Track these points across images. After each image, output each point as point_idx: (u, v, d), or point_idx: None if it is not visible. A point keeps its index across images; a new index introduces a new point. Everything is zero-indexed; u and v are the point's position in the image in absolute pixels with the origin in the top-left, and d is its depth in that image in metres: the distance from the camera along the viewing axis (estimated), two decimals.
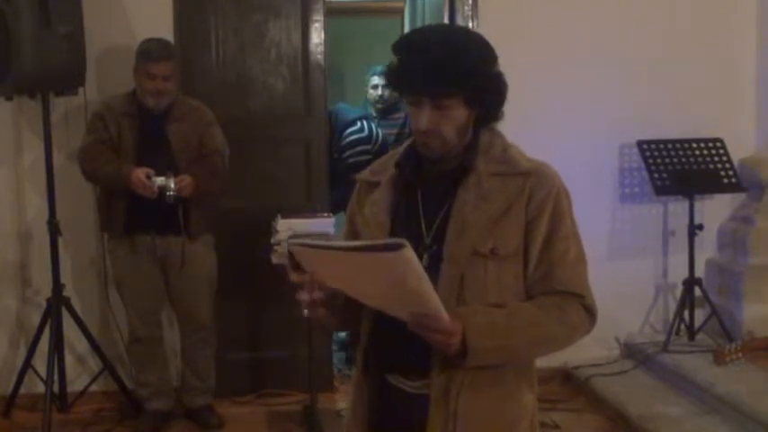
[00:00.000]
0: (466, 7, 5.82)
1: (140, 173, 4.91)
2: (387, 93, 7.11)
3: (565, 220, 2.39)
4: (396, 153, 2.55)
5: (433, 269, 2.28)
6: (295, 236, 4.83)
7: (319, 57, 5.83)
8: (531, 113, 5.79)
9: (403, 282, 2.05)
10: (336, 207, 5.69)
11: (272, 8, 5.79)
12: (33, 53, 4.86)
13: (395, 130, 7.05)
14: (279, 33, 5.80)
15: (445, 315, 2.14)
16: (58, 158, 5.35)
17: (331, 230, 5.11)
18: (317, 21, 5.81)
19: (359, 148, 6.46)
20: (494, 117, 2.44)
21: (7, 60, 4.88)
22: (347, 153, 6.43)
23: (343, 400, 5.74)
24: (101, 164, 5.06)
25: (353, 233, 2.57)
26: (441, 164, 2.41)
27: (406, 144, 2.53)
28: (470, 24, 5.81)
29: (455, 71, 2.27)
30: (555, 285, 2.36)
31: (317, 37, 5.82)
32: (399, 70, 2.34)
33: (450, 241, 2.33)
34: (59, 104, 5.44)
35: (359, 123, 6.57)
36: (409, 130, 7.09)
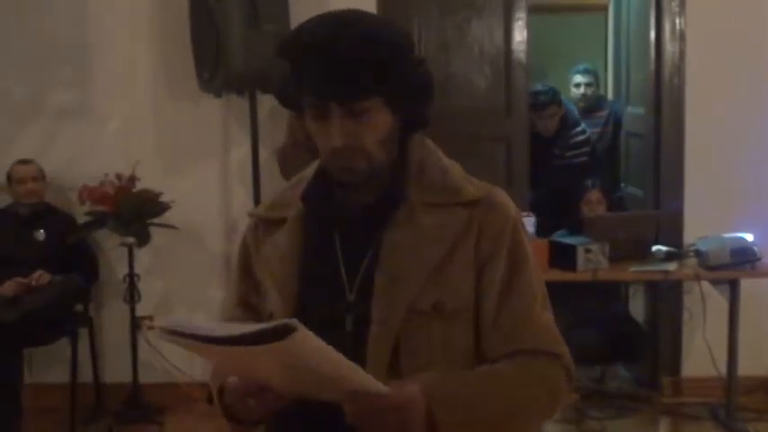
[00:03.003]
0: (673, 3, 5.65)
1: None
2: (590, 91, 7.07)
3: (527, 259, 1.88)
4: (301, 181, 2.03)
5: (359, 334, 1.80)
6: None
7: (521, 55, 5.78)
8: (743, 112, 5.61)
9: (314, 368, 1.57)
10: (534, 208, 5.63)
11: (474, 7, 5.77)
12: (242, 52, 4.98)
13: (598, 129, 6.99)
14: (481, 32, 5.78)
15: (388, 389, 1.61)
16: (263, 154, 5.47)
17: (531, 229, 5.09)
18: (519, 19, 5.76)
19: (583, 149, 6.44)
20: (422, 122, 1.92)
21: (217, 59, 5.03)
22: (571, 153, 6.40)
23: None
24: (297, 167, 5.14)
25: (251, 284, 2.03)
26: (360, 194, 1.88)
27: (311, 170, 2.01)
28: (677, 21, 5.65)
29: (368, 62, 1.73)
30: (523, 344, 1.83)
31: (519, 35, 5.76)
32: (293, 76, 1.80)
33: (379, 297, 1.80)
34: (266, 101, 5.55)
35: (582, 125, 6.57)
36: (613, 128, 7.04)
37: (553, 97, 6.41)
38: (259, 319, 1.97)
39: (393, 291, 1.79)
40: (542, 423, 1.91)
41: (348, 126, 1.77)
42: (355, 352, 1.73)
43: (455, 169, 1.96)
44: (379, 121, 1.81)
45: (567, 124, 6.45)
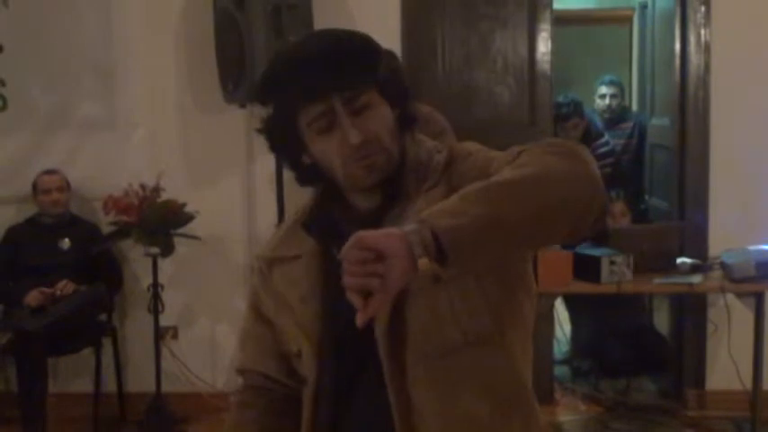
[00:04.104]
0: (698, 15, 5.62)
1: None
2: (615, 102, 7.06)
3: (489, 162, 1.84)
4: (297, 219, 1.96)
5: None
6: None
7: (546, 66, 5.76)
8: None
9: None
10: None
11: (499, 18, 5.76)
12: (266, 62, 4.99)
13: (622, 140, 6.97)
14: (505, 43, 5.77)
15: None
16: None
17: None
18: (544, 30, 5.75)
19: (606, 161, 6.45)
20: (412, 119, 1.88)
21: (241, 69, 5.05)
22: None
23: (563, 413, 5.67)
24: None
25: (266, 325, 2.03)
26: (369, 202, 1.85)
27: (305, 207, 1.96)
28: (702, 33, 5.62)
29: (354, 47, 1.80)
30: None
31: (543, 46, 5.75)
32: (285, 104, 1.80)
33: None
34: None
35: (605, 136, 6.56)
36: (637, 140, 7.02)
37: (575, 109, 6.41)
38: (275, 355, 2.01)
39: None
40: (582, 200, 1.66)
41: (358, 123, 1.75)
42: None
43: (439, 151, 1.90)
44: (382, 114, 1.80)
45: (590, 136, 6.44)
